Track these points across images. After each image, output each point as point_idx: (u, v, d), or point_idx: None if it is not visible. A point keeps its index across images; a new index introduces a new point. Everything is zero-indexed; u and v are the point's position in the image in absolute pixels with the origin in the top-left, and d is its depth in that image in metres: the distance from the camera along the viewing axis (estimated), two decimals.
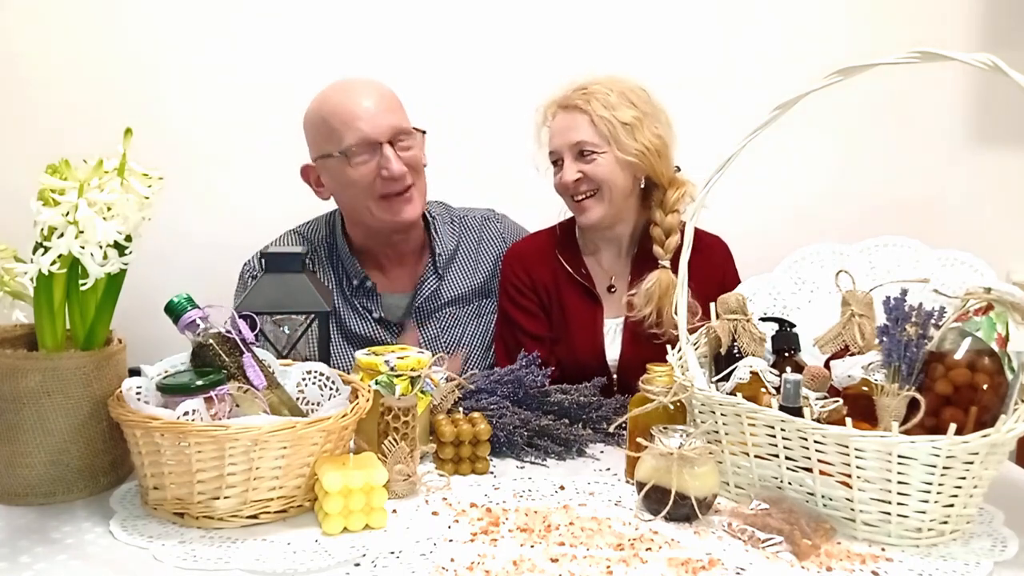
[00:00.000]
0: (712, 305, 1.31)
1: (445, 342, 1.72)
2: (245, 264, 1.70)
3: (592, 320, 1.64)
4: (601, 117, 1.56)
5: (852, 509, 1.07)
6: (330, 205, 1.74)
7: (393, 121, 1.58)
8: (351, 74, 1.74)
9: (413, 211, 1.63)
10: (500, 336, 1.71)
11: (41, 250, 1.06)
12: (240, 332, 1.16)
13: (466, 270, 1.77)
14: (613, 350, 1.63)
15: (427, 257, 1.75)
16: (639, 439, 1.16)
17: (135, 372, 1.18)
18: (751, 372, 1.20)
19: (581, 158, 1.58)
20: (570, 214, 1.73)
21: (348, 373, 1.31)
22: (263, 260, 1.39)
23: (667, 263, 1.58)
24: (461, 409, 1.37)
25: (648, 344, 1.52)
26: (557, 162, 1.62)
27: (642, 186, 1.64)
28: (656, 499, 1.11)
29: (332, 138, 1.58)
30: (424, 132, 1.66)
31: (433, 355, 1.36)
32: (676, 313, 1.26)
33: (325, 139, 1.59)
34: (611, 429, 1.38)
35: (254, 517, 1.07)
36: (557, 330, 1.65)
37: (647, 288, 1.55)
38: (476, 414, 1.32)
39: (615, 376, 1.61)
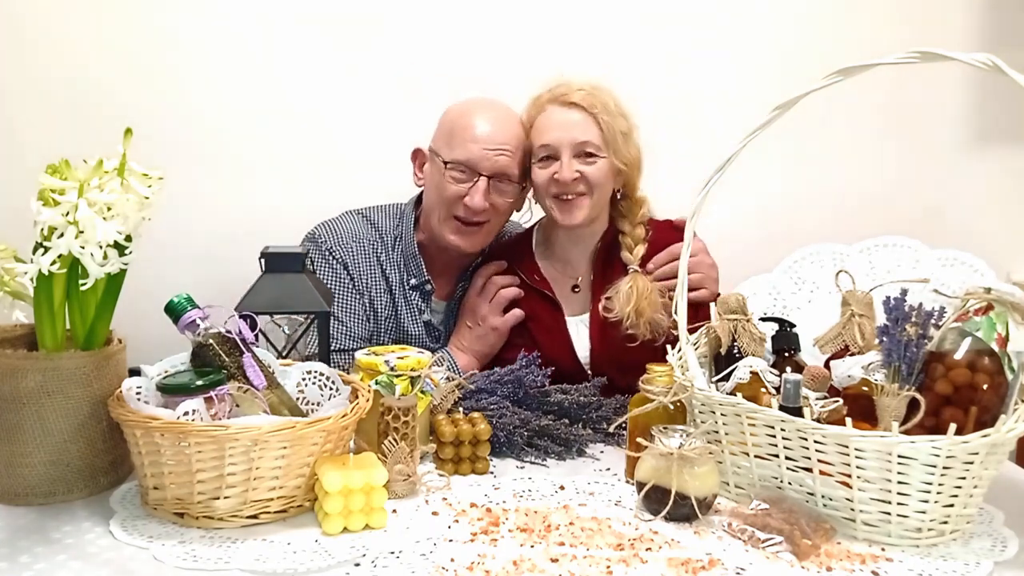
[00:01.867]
0: (712, 305, 1.31)
1: None
2: (312, 241, 1.71)
3: (555, 322, 1.65)
4: (606, 121, 1.56)
5: (852, 509, 1.07)
6: (399, 198, 1.78)
7: (502, 162, 1.61)
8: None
9: (470, 244, 1.68)
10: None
11: (41, 250, 1.06)
12: (240, 332, 1.16)
13: None
14: (581, 346, 1.64)
15: (466, 273, 1.78)
16: (639, 439, 1.16)
17: (135, 372, 1.18)
18: (751, 372, 1.20)
19: (582, 158, 1.57)
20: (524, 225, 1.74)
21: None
22: (263, 260, 1.39)
23: (638, 267, 1.60)
24: (461, 409, 1.37)
25: (615, 335, 1.55)
26: (549, 157, 1.59)
27: (618, 196, 1.67)
28: (656, 499, 1.11)
29: (447, 142, 1.63)
30: (525, 187, 1.68)
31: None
32: (676, 313, 1.27)
33: (443, 139, 1.65)
34: (611, 429, 1.38)
35: (254, 517, 1.07)
36: (524, 337, 1.65)
37: (626, 290, 1.56)
38: (476, 414, 1.32)
39: (589, 371, 1.61)
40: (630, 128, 1.60)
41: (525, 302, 1.66)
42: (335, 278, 1.66)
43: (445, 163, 1.61)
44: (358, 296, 1.67)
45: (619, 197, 1.67)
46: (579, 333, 1.64)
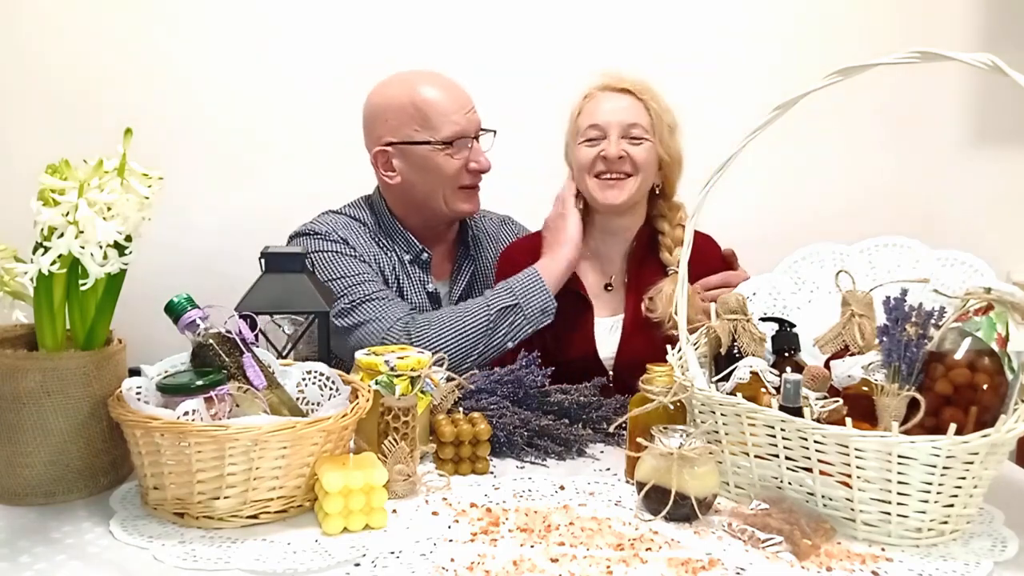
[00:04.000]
0: (712, 305, 1.31)
1: None
2: (311, 235, 1.69)
3: (582, 321, 1.64)
4: (654, 109, 1.61)
5: (852, 509, 1.07)
6: (355, 192, 1.78)
7: (477, 118, 1.70)
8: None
9: (477, 204, 1.74)
10: None
11: (41, 250, 1.06)
12: (240, 332, 1.16)
13: (486, 269, 1.83)
14: (608, 347, 1.63)
15: (459, 247, 1.83)
16: (639, 439, 1.16)
17: (135, 372, 1.17)
18: (751, 372, 1.20)
19: (629, 139, 1.59)
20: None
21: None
22: (263, 260, 1.39)
23: (678, 269, 1.59)
24: (461, 409, 1.37)
25: (647, 341, 1.53)
26: (595, 138, 1.61)
27: (656, 192, 1.68)
28: (656, 499, 1.11)
29: (424, 125, 1.65)
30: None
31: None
32: (676, 312, 1.27)
33: (417, 126, 1.65)
34: (611, 429, 1.38)
35: (254, 517, 1.07)
36: (546, 331, 1.64)
37: (669, 291, 1.55)
38: (476, 414, 1.32)
39: (611, 373, 1.61)
40: (676, 125, 1.64)
41: (557, 296, 1.64)
42: (351, 258, 1.65)
43: (442, 141, 1.64)
44: (373, 266, 1.67)
45: (657, 194, 1.68)
46: (606, 334, 1.64)
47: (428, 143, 1.65)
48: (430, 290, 1.74)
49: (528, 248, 1.71)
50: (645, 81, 1.64)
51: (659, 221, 1.67)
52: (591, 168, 1.61)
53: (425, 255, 1.74)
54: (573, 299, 1.65)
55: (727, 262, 1.69)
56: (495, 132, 1.73)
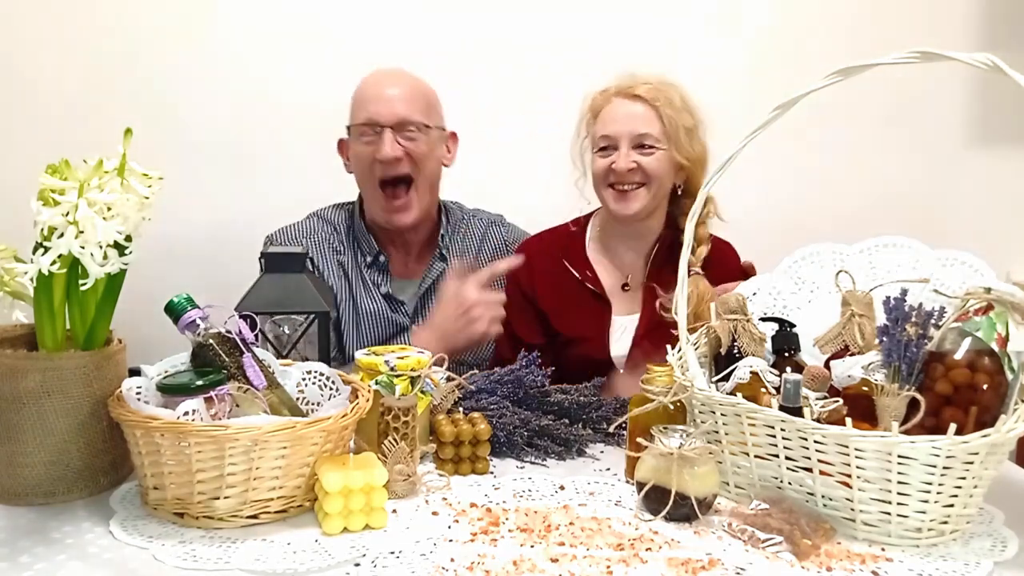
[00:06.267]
0: (712, 305, 1.31)
1: None
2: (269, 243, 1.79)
3: (599, 321, 1.65)
4: (668, 115, 1.59)
5: (852, 509, 1.07)
6: (353, 192, 1.82)
7: (403, 110, 1.67)
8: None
9: (406, 219, 1.73)
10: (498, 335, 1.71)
11: (41, 250, 1.06)
12: (240, 332, 1.16)
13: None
14: (620, 347, 1.64)
15: (432, 247, 1.83)
16: (639, 439, 1.16)
17: (135, 372, 1.17)
18: (751, 372, 1.20)
19: (640, 149, 1.59)
20: (581, 213, 1.73)
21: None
22: (263, 260, 1.39)
23: (700, 270, 1.60)
24: (461, 409, 1.37)
25: (660, 341, 1.47)
26: (608, 147, 1.61)
27: (679, 192, 1.68)
28: (656, 499, 1.11)
29: (351, 114, 1.73)
30: (445, 131, 1.76)
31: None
32: (676, 312, 1.27)
33: (350, 116, 1.74)
34: (611, 429, 1.38)
35: (254, 517, 1.07)
36: (563, 328, 1.66)
37: (690, 292, 1.51)
38: (476, 414, 1.32)
39: (621, 371, 1.63)
40: (695, 124, 1.62)
41: (574, 295, 1.67)
42: None
43: (352, 127, 1.70)
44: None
45: (680, 194, 1.68)
46: (620, 333, 1.65)
47: (349, 133, 1.72)
48: (383, 292, 1.76)
49: (544, 249, 1.72)
50: (660, 83, 1.62)
51: (682, 220, 1.61)
52: (604, 178, 1.62)
53: (382, 258, 1.77)
54: (590, 297, 1.66)
55: (745, 273, 1.68)
56: (444, 130, 1.75)
